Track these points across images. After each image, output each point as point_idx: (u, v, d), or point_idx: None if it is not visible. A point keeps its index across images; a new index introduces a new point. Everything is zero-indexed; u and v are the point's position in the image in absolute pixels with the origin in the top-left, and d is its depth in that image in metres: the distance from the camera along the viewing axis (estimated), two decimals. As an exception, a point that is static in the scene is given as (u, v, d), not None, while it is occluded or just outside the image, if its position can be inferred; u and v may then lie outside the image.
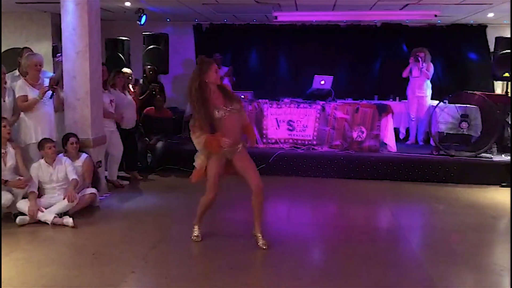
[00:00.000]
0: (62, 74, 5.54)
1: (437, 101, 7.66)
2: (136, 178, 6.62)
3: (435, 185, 6.68)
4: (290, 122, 7.57)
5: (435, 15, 8.28)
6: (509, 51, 7.39)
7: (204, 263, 3.83)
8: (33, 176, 4.81)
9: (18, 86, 5.15)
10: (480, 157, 7.07)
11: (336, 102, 7.80)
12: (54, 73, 6.30)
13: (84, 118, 5.51)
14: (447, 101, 7.69)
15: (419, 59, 8.07)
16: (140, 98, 7.40)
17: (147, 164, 7.09)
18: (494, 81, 9.52)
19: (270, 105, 7.60)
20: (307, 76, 8.50)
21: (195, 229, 4.33)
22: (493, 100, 7.40)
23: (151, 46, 8.58)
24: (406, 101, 8.68)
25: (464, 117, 7.48)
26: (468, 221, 5.12)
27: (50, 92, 5.17)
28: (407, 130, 8.74)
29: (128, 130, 6.66)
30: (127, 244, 4.23)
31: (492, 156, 7.15)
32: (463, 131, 7.52)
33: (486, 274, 3.77)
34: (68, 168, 4.97)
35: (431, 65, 8.23)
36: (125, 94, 6.61)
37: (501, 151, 7.38)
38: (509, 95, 7.77)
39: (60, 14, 5.47)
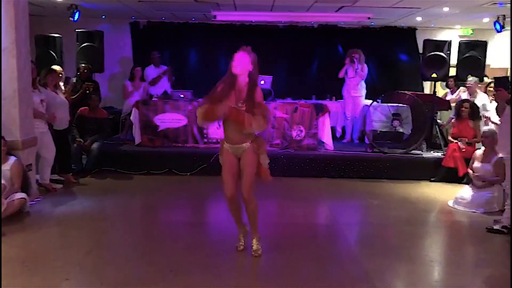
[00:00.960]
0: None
1: (371, 101, 7.95)
2: (70, 181, 6.34)
3: (370, 181, 6.93)
4: (230, 122, 7.56)
5: (369, 18, 8.61)
6: (436, 53, 7.79)
7: (142, 266, 3.73)
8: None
9: None
10: (411, 153, 7.42)
11: (275, 101, 7.89)
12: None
13: (11, 118, 5.20)
14: (380, 101, 8.01)
15: (355, 60, 8.34)
16: (73, 97, 7.11)
17: (82, 166, 6.82)
18: (423, 82, 10.04)
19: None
20: (247, 76, 8.51)
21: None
22: (423, 100, 7.80)
23: (85, 44, 8.24)
24: (342, 100, 8.95)
25: (396, 115, 7.83)
26: (401, 215, 5.36)
27: None
28: (343, 129, 9.01)
29: (60, 131, 6.37)
30: (60, 250, 4.04)
31: (422, 153, 7.53)
32: (395, 129, 7.87)
33: (418, 265, 3.95)
34: (-6, 172, 4.68)
35: (365, 66, 8.53)
36: (57, 93, 6.32)
37: (430, 148, 7.78)
38: (437, 95, 8.20)
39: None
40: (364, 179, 7.02)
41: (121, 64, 10.36)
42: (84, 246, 4.11)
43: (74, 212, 5.19)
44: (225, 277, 3.62)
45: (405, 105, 8.04)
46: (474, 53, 7.90)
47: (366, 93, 8.68)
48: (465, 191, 5.73)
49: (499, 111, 5.31)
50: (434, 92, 8.17)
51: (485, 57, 7.92)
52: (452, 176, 6.76)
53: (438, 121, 8.10)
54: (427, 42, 8.01)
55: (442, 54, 7.78)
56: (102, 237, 4.41)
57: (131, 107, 7.72)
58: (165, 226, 4.93)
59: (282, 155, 7.21)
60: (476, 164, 5.80)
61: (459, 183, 6.53)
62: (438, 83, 8.70)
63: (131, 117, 7.58)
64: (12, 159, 4.99)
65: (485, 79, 8.18)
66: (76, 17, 8.62)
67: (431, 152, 7.65)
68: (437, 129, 7.87)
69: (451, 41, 7.95)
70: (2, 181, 4.67)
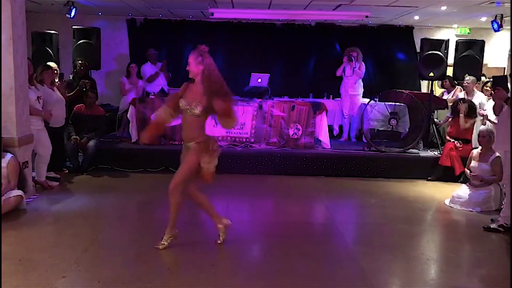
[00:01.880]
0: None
1: (368, 99, 7.96)
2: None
3: (367, 180, 6.94)
4: (227, 120, 7.54)
5: (366, 16, 8.60)
6: (434, 52, 7.79)
7: (139, 265, 3.73)
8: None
9: None
10: (408, 152, 7.43)
11: (272, 100, 7.88)
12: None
13: (8, 116, 5.17)
14: (377, 99, 8.01)
15: (352, 58, 8.34)
16: (70, 94, 7.08)
17: (78, 164, 6.80)
18: (421, 80, 10.05)
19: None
20: (244, 74, 8.52)
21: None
22: (420, 99, 7.80)
23: (81, 41, 8.22)
24: (339, 99, 8.95)
25: (393, 114, 7.84)
26: (398, 214, 5.37)
27: None
28: (340, 127, 9.02)
29: (56, 128, 6.35)
30: (57, 248, 4.02)
31: (419, 152, 7.54)
32: (393, 128, 7.87)
33: (415, 264, 3.96)
34: (-10, 170, 4.65)
35: (363, 64, 8.54)
36: (53, 90, 6.29)
37: (427, 147, 7.79)
38: (433, 94, 8.21)
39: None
40: (361, 178, 7.03)
41: (117, 61, 10.32)
42: (81, 244, 4.09)
43: (70, 209, 5.17)
44: (222, 276, 3.62)
45: (402, 104, 8.05)
46: (471, 52, 7.89)
47: (364, 91, 8.69)
48: (462, 190, 5.74)
49: (496, 110, 5.31)
50: (431, 91, 8.18)
51: (482, 56, 7.92)
52: (449, 175, 6.78)
53: (435, 120, 8.11)
54: (424, 41, 8.01)
55: (439, 53, 7.79)
56: (98, 235, 4.39)
57: (128, 105, 7.70)
58: (162, 224, 4.88)
59: (279, 154, 7.21)
60: (473, 163, 5.81)
61: (456, 182, 6.55)
62: (435, 82, 8.72)
63: (128, 115, 7.57)
64: (8, 156, 4.97)
65: (482, 78, 8.19)
66: (72, 13, 8.58)
67: (428, 151, 7.67)
68: (434, 128, 7.88)
69: (448, 40, 7.95)
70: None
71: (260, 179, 6.86)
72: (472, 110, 6.85)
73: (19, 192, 4.91)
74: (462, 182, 6.28)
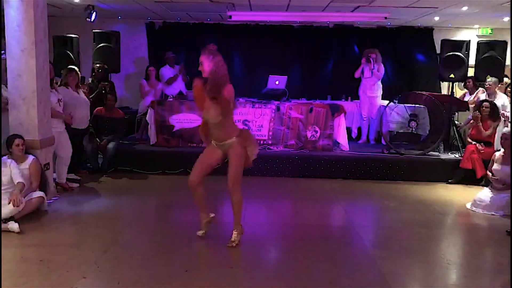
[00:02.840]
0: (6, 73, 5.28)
1: (388, 101, 7.88)
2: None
3: (386, 183, 6.86)
4: (245, 122, 7.56)
5: (385, 17, 8.52)
6: (454, 53, 7.68)
7: (158, 266, 3.75)
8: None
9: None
10: (429, 155, 7.33)
11: (290, 102, 7.86)
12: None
13: (30, 118, 5.27)
14: (397, 101, 7.93)
15: (371, 60, 8.27)
16: (90, 97, 7.18)
17: (98, 165, 6.89)
18: (441, 82, 9.91)
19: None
20: (262, 76, 8.52)
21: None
22: (440, 100, 7.69)
23: (101, 44, 8.33)
24: (358, 101, 8.87)
25: (413, 116, 7.74)
26: (417, 218, 5.29)
27: None
28: (359, 130, 8.94)
29: (79, 130, 6.46)
30: (77, 249, 4.08)
31: (439, 154, 7.43)
32: (412, 130, 7.78)
33: (435, 268, 3.90)
34: (13, 171, 4.74)
35: (382, 66, 8.45)
36: (78, 92, 6.40)
37: (447, 149, 7.68)
38: (454, 96, 8.10)
39: (2, 9, 5.21)
40: (380, 181, 6.95)
41: (136, 64, 10.43)
42: (101, 245, 4.14)
43: (90, 211, 5.24)
44: (240, 278, 3.61)
45: (422, 106, 7.95)
46: (493, 53, 7.75)
47: (383, 93, 8.60)
48: (483, 193, 5.64)
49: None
50: (452, 92, 8.07)
51: (504, 57, 7.77)
52: (470, 178, 6.66)
53: (456, 122, 7.99)
54: (444, 42, 7.90)
55: (460, 54, 7.67)
56: (118, 236, 4.44)
57: (147, 107, 7.77)
58: (181, 225, 4.94)
59: (297, 156, 7.19)
60: (496, 166, 5.70)
61: (477, 185, 6.43)
62: (456, 84, 8.59)
63: (147, 117, 7.63)
64: (30, 158, 5.05)
65: (505, 79, 8.04)
66: (93, 17, 8.70)
67: (449, 153, 7.55)
68: (455, 130, 7.76)
69: (469, 41, 7.83)
70: (20, 179, 4.73)
71: (278, 181, 6.84)
72: (494, 112, 6.73)
73: (41, 194, 4.99)
74: (483, 185, 6.16)
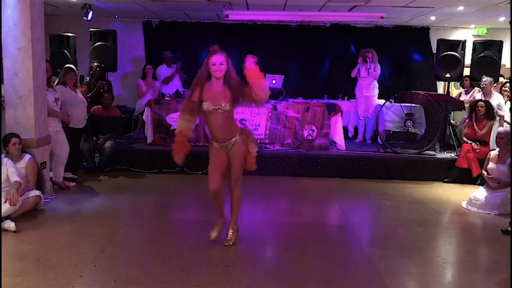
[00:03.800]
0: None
1: (384, 100, 7.90)
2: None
3: (382, 182, 6.89)
4: (242, 121, 7.57)
5: (382, 17, 8.54)
6: (451, 53, 7.71)
7: (155, 265, 3.76)
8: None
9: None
10: (425, 154, 7.36)
11: (287, 101, 7.88)
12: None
13: (27, 117, 5.26)
14: (393, 101, 7.96)
15: (367, 59, 8.29)
16: (87, 96, 7.17)
17: (95, 164, 6.89)
18: (437, 81, 9.95)
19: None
20: (259, 75, 8.51)
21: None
22: (436, 100, 7.72)
23: (98, 43, 8.33)
24: (354, 100, 8.90)
25: (409, 115, 7.77)
26: (413, 216, 5.32)
27: None
28: (356, 129, 8.97)
29: (76, 129, 6.45)
30: (74, 247, 4.08)
31: (435, 153, 7.46)
32: (408, 129, 7.81)
33: (431, 266, 3.92)
34: (9, 170, 4.73)
35: (378, 65, 8.47)
36: (76, 92, 6.39)
37: (443, 149, 7.71)
38: (450, 95, 8.13)
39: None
40: (377, 180, 6.98)
41: (133, 63, 10.43)
42: (98, 244, 4.14)
43: (87, 210, 5.24)
44: (237, 276, 3.62)
45: (418, 105, 7.98)
46: (489, 53, 7.80)
47: (379, 92, 8.62)
48: (479, 192, 5.67)
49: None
50: (448, 92, 8.09)
51: (500, 57, 7.82)
52: (465, 177, 6.70)
53: (452, 121, 8.02)
54: (441, 41, 7.94)
55: (456, 54, 7.70)
56: (115, 235, 4.44)
57: (144, 106, 7.77)
58: (177, 224, 4.95)
59: (294, 155, 7.20)
60: (491, 165, 5.73)
61: (473, 184, 6.47)
62: (452, 83, 8.62)
63: (144, 116, 7.63)
64: (27, 157, 5.04)
65: (501, 79, 8.08)
66: (89, 16, 8.69)
67: (445, 152, 7.58)
68: (451, 130, 7.79)
69: (465, 40, 7.87)
70: (17, 178, 4.72)
71: (275, 180, 6.86)
72: (489, 112, 6.76)
73: (37, 193, 4.98)
74: (479, 184, 6.19)
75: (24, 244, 4.13)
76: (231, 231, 4.22)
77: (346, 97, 9.39)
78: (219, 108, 3.87)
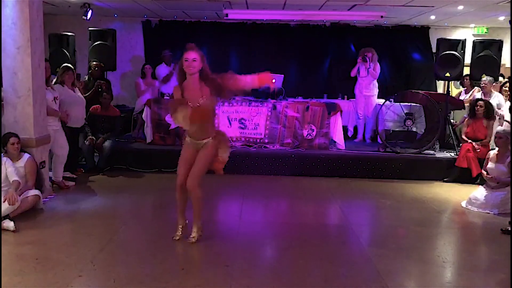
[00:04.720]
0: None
1: (384, 100, 7.90)
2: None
3: (382, 181, 6.89)
4: (241, 120, 7.57)
5: (381, 16, 8.53)
6: (450, 52, 7.71)
7: (154, 264, 3.75)
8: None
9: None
10: (424, 153, 7.36)
11: (287, 100, 7.87)
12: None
13: (26, 116, 5.25)
14: (392, 100, 7.95)
15: (367, 59, 8.28)
16: (86, 95, 7.16)
17: (94, 164, 6.87)
18: (437, 81, 9.95)
19: (222, 103, 7.56)
20: (258, 75, 8.51)
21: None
22: (436, 99, 7.72)
23: (97, 42, 8.31)
24: (354, 99, 8.89)
25: (409, 115, 7.77)
26: (413, 216, 5.32)
27: None
28: (355, 128, 8.96)
29: (75, 128, 6.44)
30: (73, 247, 4.07)
31: (435, 153, 7.46)
32: (408, 128, 7.80)
33: (431, 266, 3.92)
34: (8, 169, 4.73)
35: (378, 65, 8.47)
36: (74, 91, 6.39)
37: (443, 148, 7.71)
38: (450, 95, 8.12)
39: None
40: (376, 179, 6.98)
41: (133, 62, 10.41)
42: (97, 243, 4.14)
43: (86, 209, 5.23)
44: (236, 276, 3.61)
45: (418, 105, 7.98)
46: (488, 52, 7.79)
47: (379, 92, 8.62)
48: (478, 192, 5.66)
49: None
50: (448, 91, 8.09)
51: (500, 56, 7.81)
52: (465, 177, 6.69)
53: (452, 120, 8.01)
54: (440, 41, 7.93)
55: (455, 53, 7.70)
56: (114, 235, 4.43)
57: (143, 106, 7.76)
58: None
59: (293, 154, 7.20)
60: (490, 165, 5.72)
61: (473, 183, 6.46)
62: (452, 83, 8.62)
63: (143, 116, 7.62)
64: (26, 156, 5.03)
65: (500, 78, 8.07)
66: (89, 15, 8.68)
67: (444, 152, 7.58)
68: (451, 129, 7.79)
69: (465, 40, 7.86)
70: (16, 178, 4.72)
71: (274, 180, 6.85)
72: (489, 111, 6.76)
73: (36, 192, 4.98)
74: (479, 184, 6.19)
75: (22, 244, 4.12)
76: (195, 229, 4.21)
77: (345, 97, 9.38)
78: (198, 105, 3.92)
